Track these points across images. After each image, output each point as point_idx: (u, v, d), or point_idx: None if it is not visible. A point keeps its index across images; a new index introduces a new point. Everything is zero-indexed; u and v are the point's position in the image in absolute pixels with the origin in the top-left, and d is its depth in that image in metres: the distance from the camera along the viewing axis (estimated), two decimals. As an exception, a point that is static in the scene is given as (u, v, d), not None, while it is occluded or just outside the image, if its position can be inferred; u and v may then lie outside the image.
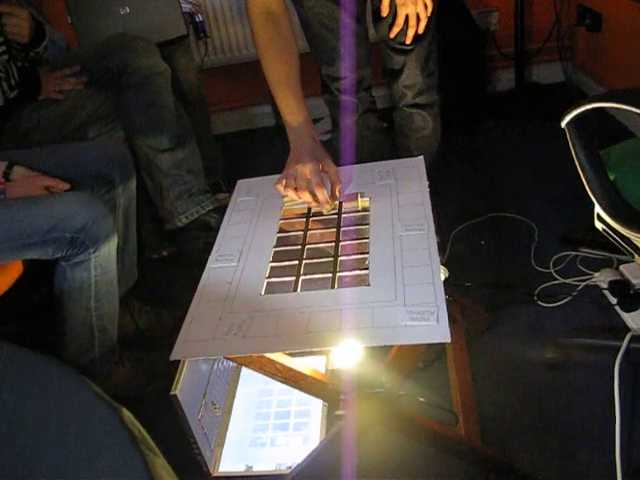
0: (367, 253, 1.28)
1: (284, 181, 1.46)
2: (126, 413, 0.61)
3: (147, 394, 1.71)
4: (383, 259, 1.25)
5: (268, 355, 1.16)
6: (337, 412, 1.20)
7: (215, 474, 1.52)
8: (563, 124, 1.24)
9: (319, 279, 1.25)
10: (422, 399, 1.23)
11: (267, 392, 1.69)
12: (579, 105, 1.18)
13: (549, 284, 1.90)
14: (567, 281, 1.89)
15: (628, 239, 1.24)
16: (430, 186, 1.47)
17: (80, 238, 1.48)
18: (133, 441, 0.55)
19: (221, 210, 2.08)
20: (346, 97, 1.92)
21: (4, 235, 1.45)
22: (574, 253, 1.99)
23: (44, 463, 0.55)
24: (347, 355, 1.18)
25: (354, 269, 1.25)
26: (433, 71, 1.88)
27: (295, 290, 1.23)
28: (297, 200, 1.46)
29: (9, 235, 1.45)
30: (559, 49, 3.05)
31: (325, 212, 1.46)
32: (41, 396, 0.61)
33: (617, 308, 1.72)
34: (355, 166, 1.64)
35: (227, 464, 1.54)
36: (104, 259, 1.56)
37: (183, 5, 2.38)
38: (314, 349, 1.10)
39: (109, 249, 1.57)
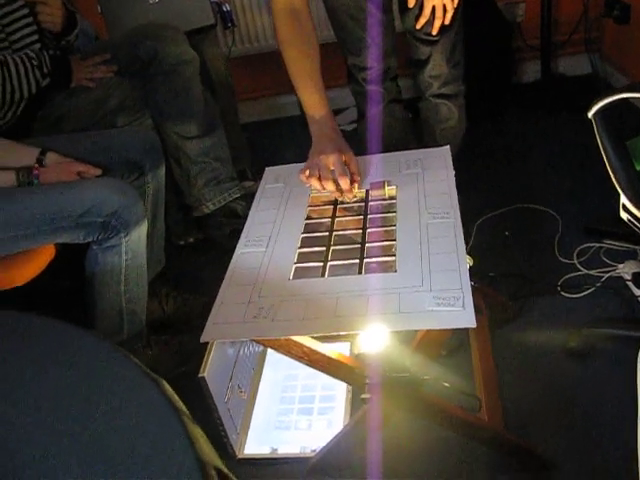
0: (394, 240, 1.30)
1: (307, 171, 1.49)
2: (166, 385, 0.64)
3: (175, 377, 1.75)
4: (409, 246, 1.27)
5: (295, 338, 1.18)
6: (362, 396, 1.23)
7: (240, 456, 1.55)
8: (590, 114, 1.25)
9: (346, 265, 1.27)
10: (446, 384, 1.25)
11: (292, 377, 1.72)
12: (606, 96, 1.19)
13: (572, 275, 1.90)
14: (591, 272, 1.89)
15: (654, 229, 1.25)
16: (455, 176, 1.49)
17: (112, 223, 1.51)
18: (175, 411, 0.58)
19: (248, 198, 2.10)
20: (372, 87, 1.94)
21: (37, 219, 1.48)
22: (598, 244, 1.99)
23: (92, 433, 0.57)
24: (373, 339, 1.20)
25: (381, 255, 1.28)
26: (459, 61, 1.89)
27: (323, 275, 1.25)
28: (321, 189, 1.49)
29: (42, 219, 1.49)
30: (586, 41, 3.03)
31: (347, 201, 1.48)
32: (86, 369, 0.63)
33: (641, 299, 1.73)
34: (382, 155, 1.65)
35: (252, 446, 1.57)
36: (135, 244, 1.59)
37: (211, -6, 2.40)
38: (341, 333, 1.12)
39: (140, 234, 1.60)
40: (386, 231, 1.35)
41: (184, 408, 0.65)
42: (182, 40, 2.03)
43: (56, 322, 0.69)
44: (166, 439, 0.55)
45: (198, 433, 0.59)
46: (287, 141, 3.07)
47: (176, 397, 0.64)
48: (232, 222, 2.14)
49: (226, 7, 2.60)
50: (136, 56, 1.97)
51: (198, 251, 2.32)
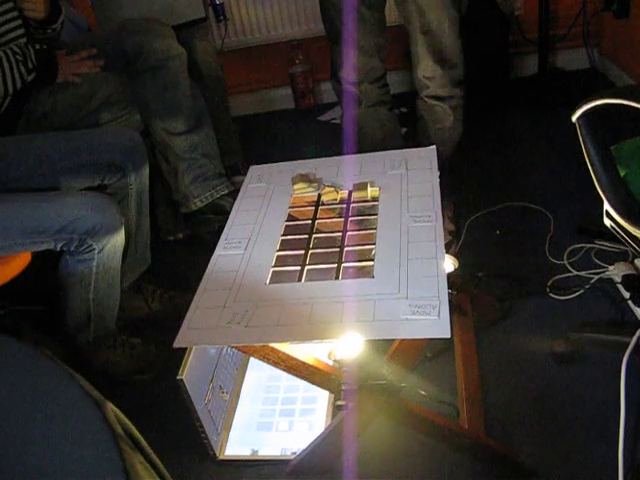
0: (373, 244, 1.28)
1: None
2: (111, 408, 0.62)
3: (132, 381, 1.78)
4: (389, 251, 1.25)
5: (271, 344, 1.17)
6: (337, 402, 1.21)
7: (221, 457, 1.54)
8: (574, 118, 1.22)
9: (324, 269, 1.26)
10: (423, 392, 1.24)
11: (275, 377, 1.70)
12: (589, 100, 1.17)
13: (562, 276, 1.88)
14: (581, 273, 1.87)
15: (637, 238, 1.23)
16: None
17: (87, 241, 1.53)
18: (113, 438, 0.56)
19: (236, 194, 2.09)
20: (348, 87, 1.93)
21: (15, 233, 1.50)
22: (589, 245, 1.96)
23: (26, 454, 0.56)
24: (349, 346, 1.18)
25: (359, 260, 1.26)
26: (455, 64, 1.87)
27: (300, 280, 1.24)
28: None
29: (19, 233, 1.50)
30: (584, 35, 2.99)
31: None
32: (26, 390, 0.62)
33: (630, 303, 1.71)
34: (367, 155, 1.63)
35: (233, 448, 1.56)
36: (108, 259, 1.61)
37: (203, -13, 2.37)
38: (315, 341, 1.11)
39: (115, 249, 1.62)
40: (366, 234, 1.33)
41: (132, 432, 0.64)
42: (169, 35, 2.00)
43: (2, 337, 0.68)
44: (101, 468, 0.54)
45: (137, 461, 0.58)
46: (281, 134, 3.06)
47: (122, 421, 0.63)
48: (220, 219, 2.12)
49: (219, 0, 2.58)
50: (122, 51, 1.95)
51: (186, 247, 2.31)
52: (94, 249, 1.55)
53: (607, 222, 1.28)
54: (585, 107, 1.19)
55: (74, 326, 1.72)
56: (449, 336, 1.04)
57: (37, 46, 1.84)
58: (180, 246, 2.33)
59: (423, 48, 1.80)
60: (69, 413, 0.60)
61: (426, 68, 1.85)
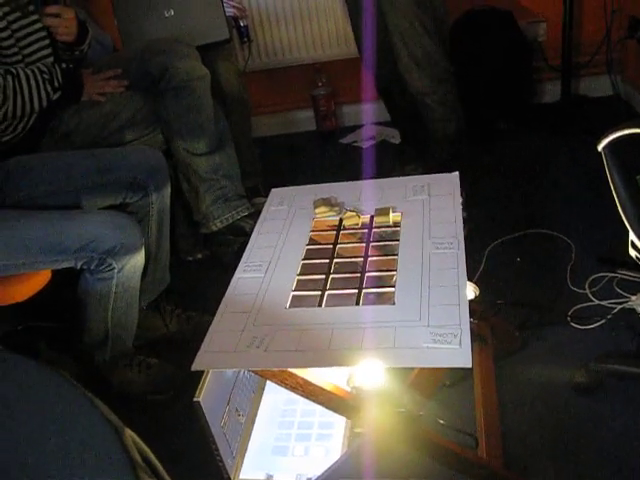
0: (394, 270, 1.27)
1: None
2: (129, 434, 0.61)
3: (149, 401, 1.78)
4: (410, 277, 1.24)
5: (290, 369, 1.16)
6: (356, 429, 1.20)
7: (236, 481, 1.53)
8: (599, 147, 1.21)
9: (345, 295, 1.25)
10: (442, 421, 1.22)
11: (292, 401, 1.69)
12: (615, 129, 1.16)
13: (584, 305, 1.85)
14: (602, 303, 1.84)
15: (663, 269, 1.21)
16: (465, 199, 1.46)
17: (107, 260, 1.54)
18: (130, 465, 0.56)
19: (256, 215, 2.09)
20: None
21: (36, 251, 1.51)
22: (611, 274, 1.94)
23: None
24: (369, 373, 1.17)
25: (380, 286, 1.25)
26: (434, 62, 2.10)
27: (320, 305, 1.23)
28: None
29: (41, 251, 1.51)
30: (608, 62, 2.99)
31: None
32: (45, 414, 0.61)
33: (653, 334, 1.69)
34: (389, 180, 1.63)
35: (248, 471, 1.54)
36: (127, 278, 1.62)
37: (227, 10, 2.39)
38: (334, 367, 1.10)
39: (135, 269, 1.62)
40: (388, 260, 1.32)
41: (150, 458, 0.63)
42: (194, 56, 2.02)
43: (21, 359, 0.68)
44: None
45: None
46: (302, 156, 3.06)
47: (140, 446, 0.62)
48: (239, 240, 2.12)
49: (243, 22, 2.60)
50: (147, 71, 1.96)
51: (205, 268, 2.32)
52: (114, 268, 1.56)
53: (632, 252, 1.27)
54: (611, 136, 1.18)
55: (91, 344, 1.73)
56: (470, 366, 1.02)
57: (63, 65, 1.86)
58: (199, 266, 2.34)
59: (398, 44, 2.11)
60: (87, 439, 0.59)
61: (400, 63, 2.16)
